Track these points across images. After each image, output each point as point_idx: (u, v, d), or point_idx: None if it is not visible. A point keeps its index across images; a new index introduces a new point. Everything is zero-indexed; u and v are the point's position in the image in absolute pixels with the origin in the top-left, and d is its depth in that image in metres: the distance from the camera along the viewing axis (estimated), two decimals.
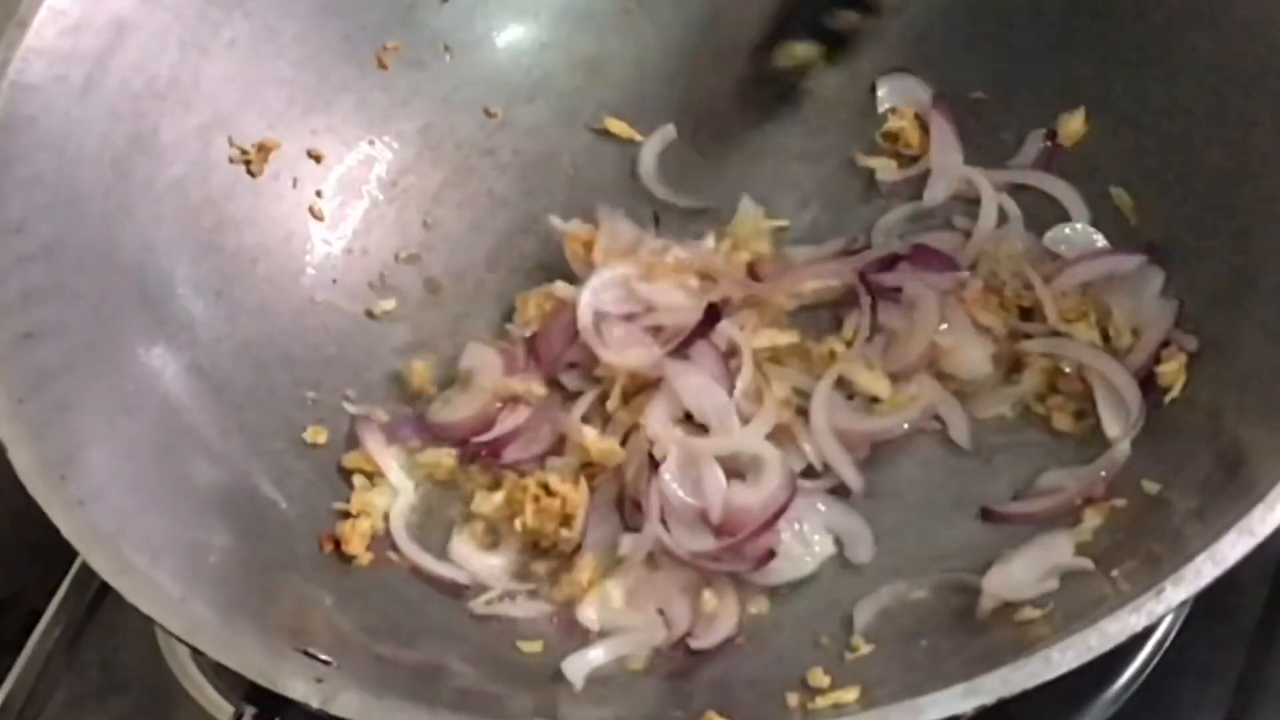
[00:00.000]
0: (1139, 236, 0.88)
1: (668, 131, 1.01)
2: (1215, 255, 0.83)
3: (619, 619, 0.80)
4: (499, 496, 0.85)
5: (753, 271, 0.92)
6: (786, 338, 0.88)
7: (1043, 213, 0.92)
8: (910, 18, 0.98)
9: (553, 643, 0.80)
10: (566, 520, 0.83)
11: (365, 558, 0.83)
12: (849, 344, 0.88)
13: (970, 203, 0.94)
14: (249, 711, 0.70)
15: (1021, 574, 0.75)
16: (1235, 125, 0.84)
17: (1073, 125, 0.93)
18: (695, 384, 0.85)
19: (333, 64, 0.97)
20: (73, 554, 0.69)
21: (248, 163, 0.93)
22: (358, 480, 0.87)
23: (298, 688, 0.63)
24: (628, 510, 0.84)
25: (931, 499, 0.83)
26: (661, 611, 0.80)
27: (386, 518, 0.85)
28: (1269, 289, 0.79)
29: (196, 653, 0.67)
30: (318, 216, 0.96)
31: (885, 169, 0.97)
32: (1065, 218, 0.91)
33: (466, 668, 0.76)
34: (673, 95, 1.02)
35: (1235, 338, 0.80)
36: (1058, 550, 0.76)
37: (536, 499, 0.83)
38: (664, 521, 0.81)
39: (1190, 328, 0.83)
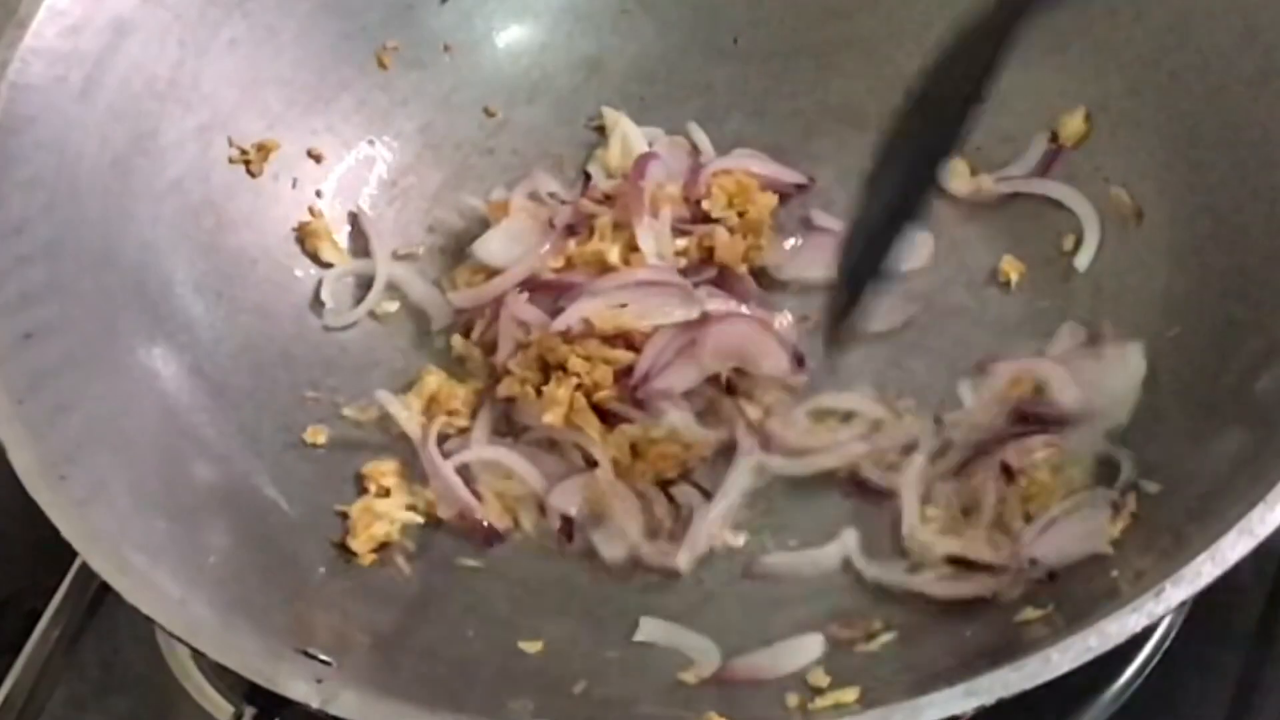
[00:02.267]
0: (1141, 236, 0.89)
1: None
2: (1215, 252, 0.83)
3: None
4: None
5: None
6: None
7: (1047, 217, 0.92)
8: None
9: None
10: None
11: (368, 558, 0.83)
12: None
13: None
14: (249, 711, 0.70)
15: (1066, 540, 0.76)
16: (1238, 125, 0.84)
17: (1073, 125, 0.93)
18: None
19: (333, 64, 0.97)
20: (73, 554, 0.68)
21: (248, 163, 0.93)
22: (372, 486, 0.86)
23: (298, 688, 0.63)
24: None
25: None
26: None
27: (395, 522, 0.85)
28: (1270, 286, 0.79)
29: (196, 653, 0.67)
30: (318, 217, 0.96)
31: None
32: (1069, 219, 0.92)
33: (467, 668, 0.76)
34: (672, 95, 1.02)
35: (1234, 332, 0.80)
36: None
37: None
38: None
39: (1179, 316, 0.83)
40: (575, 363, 0.85)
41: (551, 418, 0.84)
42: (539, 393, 0.86)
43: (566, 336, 0.87)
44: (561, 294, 0.90)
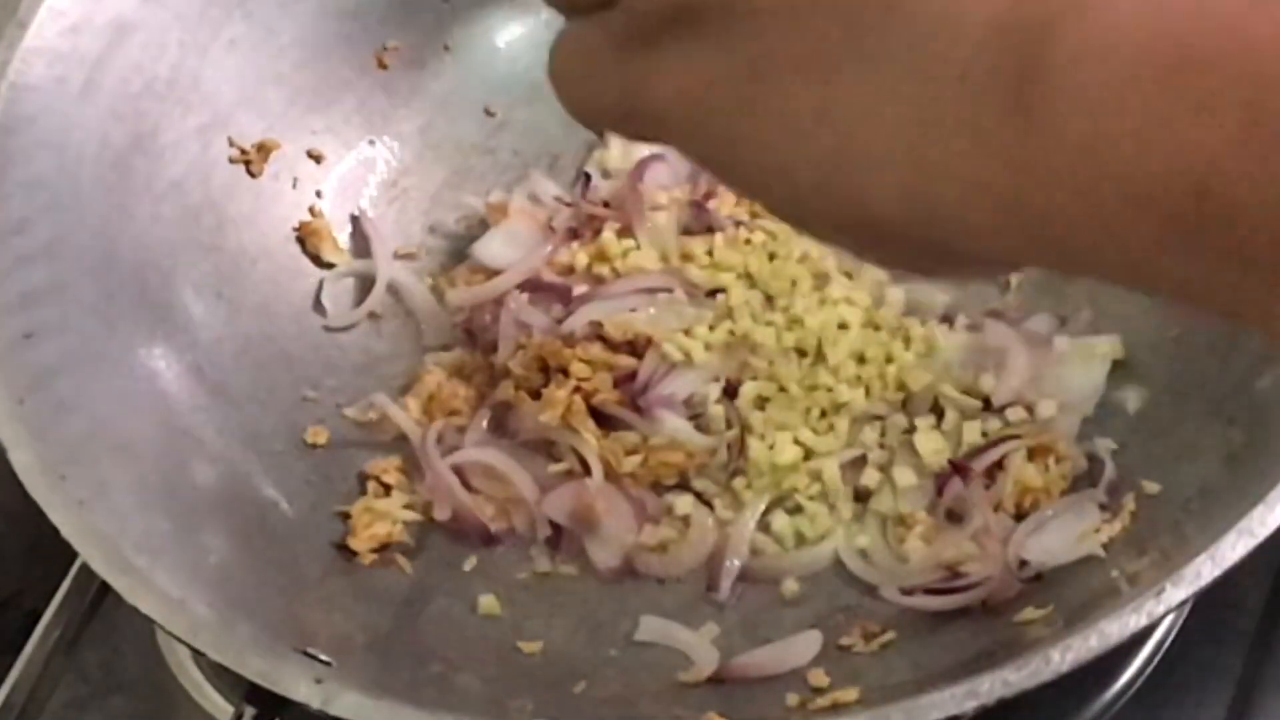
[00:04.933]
0: None
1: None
2: None
3: None
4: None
5: None
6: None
7: None
8: None
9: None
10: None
11: (368, 558, 0.83)
12: None
13: None
14: (249, 712, 0.70)
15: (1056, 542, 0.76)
16: None
17: None
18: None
19: (333, 64, 0.97)
20: (73, 554, 0.68)
21: (248, 163, 0.93)
22: (371, 486, 0.86)
23: (298, 688, 0.63)
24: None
25: None
26: None
27: (396, 522, 0.85)
28: None
29: (196, 653, 0.67)
30: (318, 217, 0.96)
31: None
32: None
33: (467, 668, 0.76)
34: None
35: (1234, 332, 0.80)
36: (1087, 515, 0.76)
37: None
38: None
39: (1179, 316, 0.82)
40: (578, 367, 0.85)
41: (548, 418, 0.84)
42: (537, 396, 0.86)
43: (569, 341, 0.87)
44: (564, 297, 0.89)
